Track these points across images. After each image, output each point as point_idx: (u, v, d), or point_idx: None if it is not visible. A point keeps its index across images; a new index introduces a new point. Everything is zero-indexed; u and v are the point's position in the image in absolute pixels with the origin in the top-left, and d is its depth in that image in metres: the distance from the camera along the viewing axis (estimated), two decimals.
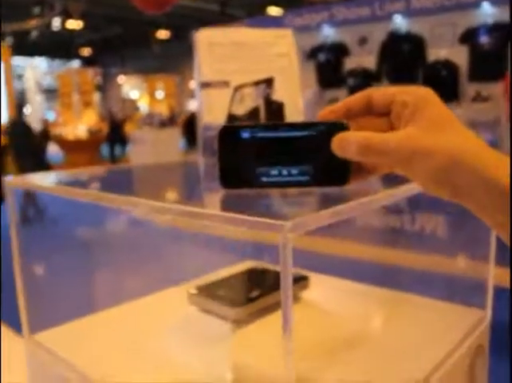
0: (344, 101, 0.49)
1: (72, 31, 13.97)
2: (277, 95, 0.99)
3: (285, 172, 0.53)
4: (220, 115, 0.97)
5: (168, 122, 12.62)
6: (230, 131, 0.54)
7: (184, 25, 12.22)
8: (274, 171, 0.53)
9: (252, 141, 0.54)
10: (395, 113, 0.47)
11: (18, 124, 6.46)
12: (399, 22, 5.50)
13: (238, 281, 0.95)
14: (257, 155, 0.54)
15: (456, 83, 5.13)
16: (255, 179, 0.54)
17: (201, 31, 0.99)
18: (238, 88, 0.97)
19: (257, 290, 0.86)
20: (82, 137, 10.88)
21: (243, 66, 0.98)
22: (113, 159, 11.46)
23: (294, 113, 1.00)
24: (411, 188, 0.65)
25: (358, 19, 5.75)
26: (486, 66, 4.98)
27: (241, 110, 0.97)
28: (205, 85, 0.97)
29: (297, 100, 1.00)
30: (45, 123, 10.84)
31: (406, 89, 0.46)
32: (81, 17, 12.24)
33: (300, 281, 0.95)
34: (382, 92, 0.47)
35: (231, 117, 0.97)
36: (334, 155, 0.50)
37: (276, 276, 0.97)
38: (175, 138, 9.08)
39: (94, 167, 1.30)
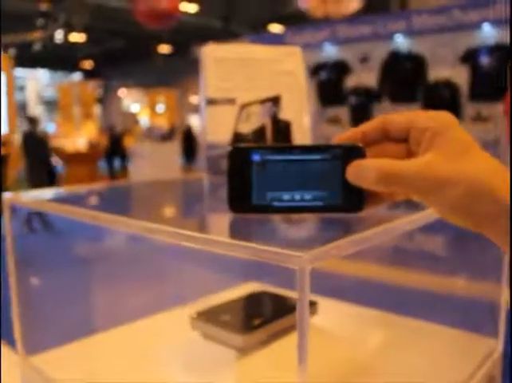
0: (360, 127, 0.47)
1: (74, 44, 14.04)
2: (284, 114, 0.97)
3: (297, 197, 0.51)
4: (225, 133, 0.94)
5: (168, 136, 12.62)
6: (240, 152, 0.52)
7: (186, 41, 12.29)
8: (287, 196, 0.51)
9: (264, 164, 0.51)
10: (413, 139, 0.44)
11: (32, 136, 6.72)
12: (401, 42, 5.53)
13: (243, 305, 0.92)
14: (269, 178, 0.51)
15: (456, 102, 5.16)
16: (266, 204, 0.51)
17: (208, 46, 0.97)
18: (244, 106, 0.95)
19: (263, 316, 0.83)
20: (82, 150, 10.87)
21: (250, 83, 0.96)
22: (112, 172, 11.42)
23: (301, 133, 0.97)
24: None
25: (360, 38, 5.78)
26: (486, 86, 5.02)
27: (247, 128, 0.95)
28: (210, 102, 0.95)
29: (304, 119, 0.98)
30: (45, 135, 10.83)
31: (425, 114, 0.44)
32: (84, 30, 12.31)
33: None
34: (399, 118, 0.45)
35: (237, 136, 0.94)
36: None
37: (282, 300, 0.94)
38: (174, 152, 9.06)
39: (94, 185, 1.27)
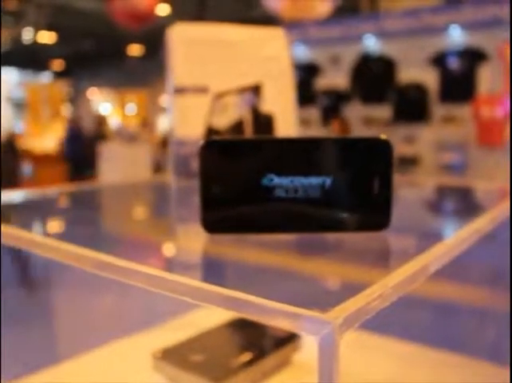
0: None
1: (44, 44, 13.72)
2: (266, 105, 0.82)
3: (297, 209, 0.36)
4: (196, 128, 0.79)
5: (140, 136, 12.35)
6: (217, 148, 0.37)
7: (157, 42, 12.09)
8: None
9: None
10: None
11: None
12: (371, 43, 5.54)
13: (220, 340, 0.74)
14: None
15: (426, 104, 5.21)
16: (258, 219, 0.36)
17: (175, 25, 0.81)
18: (219, 96, 0.80)
19: (246, 354, 0.66)
20: (51, 151, 10.54)
21: (226, 69, 0.81)
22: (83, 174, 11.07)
23: (286, 128, 0.83)
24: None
25: (330, 39, 5.77)
26: (455, 88, 5.08)
27: (222, 122, 0.80)
28: (179, 91, 0.80)
29: (290, 112, 0.83)
30: (12, 136, 10.44)
31: None
32: (54, 29, 12.01)
33: (289, 341, 0.71)
34: None
35: (210, 131, 0.79)
36: (372, 184, 0.34)
37: (265, 330, 0.78)
38: (146, 153, 8.82)
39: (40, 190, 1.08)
